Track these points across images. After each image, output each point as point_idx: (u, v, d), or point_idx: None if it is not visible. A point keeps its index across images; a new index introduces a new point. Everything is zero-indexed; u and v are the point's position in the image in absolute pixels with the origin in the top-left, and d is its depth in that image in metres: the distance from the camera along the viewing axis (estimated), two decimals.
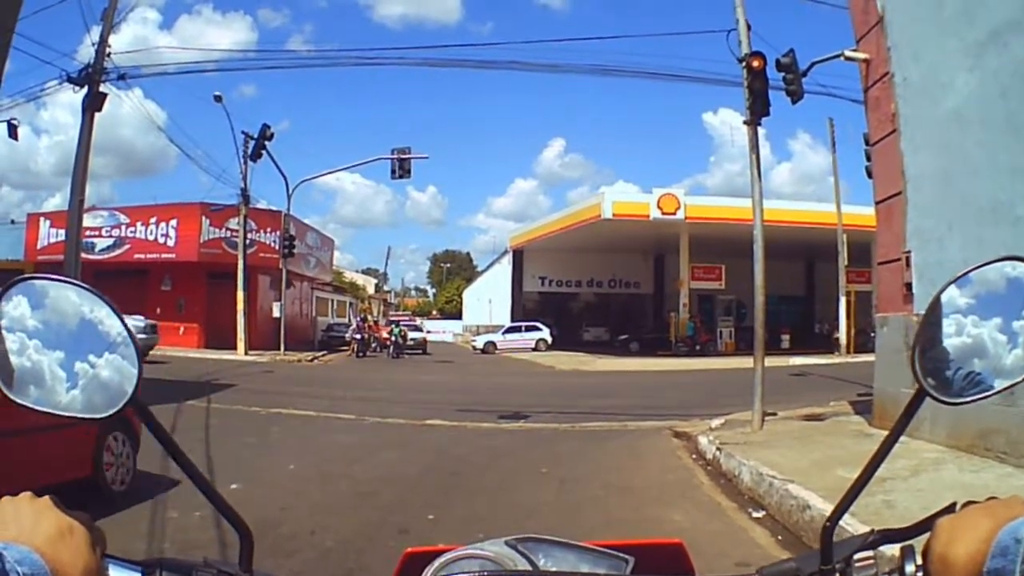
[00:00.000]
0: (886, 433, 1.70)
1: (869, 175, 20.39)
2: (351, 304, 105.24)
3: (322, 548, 9.24)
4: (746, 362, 21.93)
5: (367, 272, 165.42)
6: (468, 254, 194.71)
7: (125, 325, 1.63)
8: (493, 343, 76.24)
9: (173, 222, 59.00)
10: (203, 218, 58.57)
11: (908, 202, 16.02)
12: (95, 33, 33.79)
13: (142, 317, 46.35)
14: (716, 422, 19.33)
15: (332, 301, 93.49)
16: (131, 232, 59.73)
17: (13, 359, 1.56)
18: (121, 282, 54.48)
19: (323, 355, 59.65)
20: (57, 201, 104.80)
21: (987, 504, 1.46)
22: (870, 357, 21.40)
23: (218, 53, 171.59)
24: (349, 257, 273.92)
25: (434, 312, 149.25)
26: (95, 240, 57.83)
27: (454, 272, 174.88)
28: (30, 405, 1.56)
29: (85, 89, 32.44)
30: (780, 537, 10.05)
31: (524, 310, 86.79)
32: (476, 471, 14.85)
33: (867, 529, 1.77)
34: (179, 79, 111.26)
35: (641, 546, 2.11)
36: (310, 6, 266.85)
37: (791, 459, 13.42)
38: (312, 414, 22.92)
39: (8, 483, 1.96)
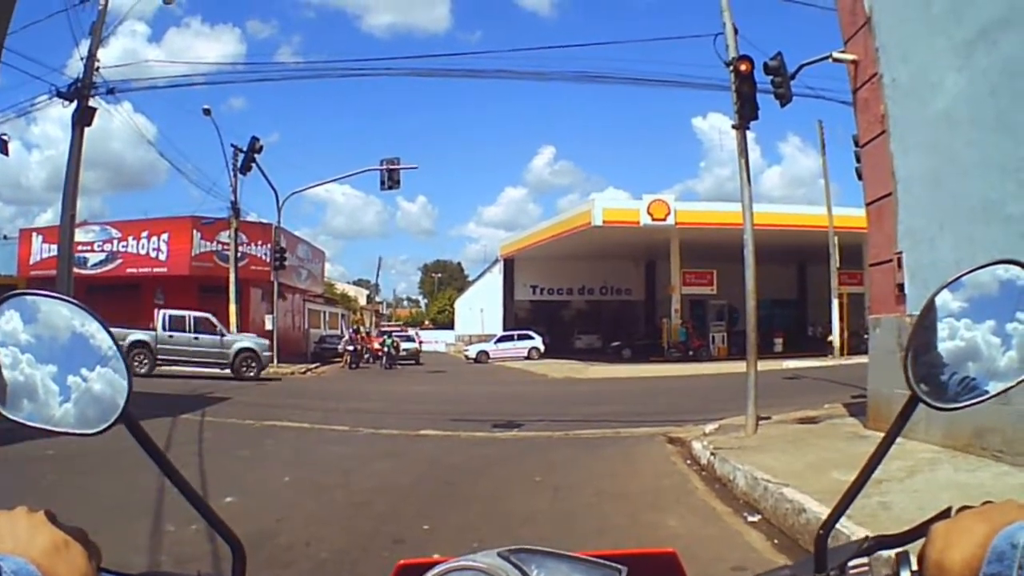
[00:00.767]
0: (881, 435, 1.71)
1: (859, 177, 20.41)
2: (343, 316, 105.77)
3: (317, 559, 9.24)
4: (739, 367, 21.93)
5: (358, 283, 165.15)
6: (459, 264, 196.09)
7: (114, 340, 1.63)
8: (486, 352, 76.21)
9: (164, 236, 59.46)
10: (194, 232, 59.06)
11: (899, 203, 16.04)
12: (84, 47, 33.88)
13: (253, 335, 49.47)
14: (710, 427, 19.31)
15: (324, 313, 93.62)
16: (123, 246, 60.13)
17: (6, 373, 1.56)
18: (114, 297, 54.89)
19: (316, 367, 59.72)
20: (49, 216, 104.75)
21: (982, 509, 1.44)
22: (864, 359, 21.46)
23: (207, 66, 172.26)
24: (340, 269, 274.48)
25: (426, 322, 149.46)
26: (87, 255, 58.14)
27: (445, 282, 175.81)
28: (22, 421, 1.57)
29: (74, 104, 32.46)
30: (776, 541, 10.03)
31: (516, 319, 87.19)
32: (470, 480, 14.83)
33: (863, 532, 1.78)
34: (168, 92, 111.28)
35: (634, 556, 2.07)
36: (298, 17, 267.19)
37: (786, 462, 13.43)
38: (306, 426, 22.92)
39: None
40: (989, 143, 13.19)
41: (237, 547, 1.75)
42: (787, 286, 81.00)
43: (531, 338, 78.46)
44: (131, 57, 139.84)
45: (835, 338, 57.89)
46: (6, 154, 38.22)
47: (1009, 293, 1.61)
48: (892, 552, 1.57)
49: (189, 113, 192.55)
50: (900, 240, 15.95)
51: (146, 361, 45.73)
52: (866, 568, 1.62)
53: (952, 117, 14.20)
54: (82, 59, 33.68)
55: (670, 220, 60.21)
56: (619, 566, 1.93)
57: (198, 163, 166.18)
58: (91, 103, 33.10)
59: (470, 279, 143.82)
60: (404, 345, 73.16)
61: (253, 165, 52.66)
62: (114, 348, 1.63)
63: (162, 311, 49.71)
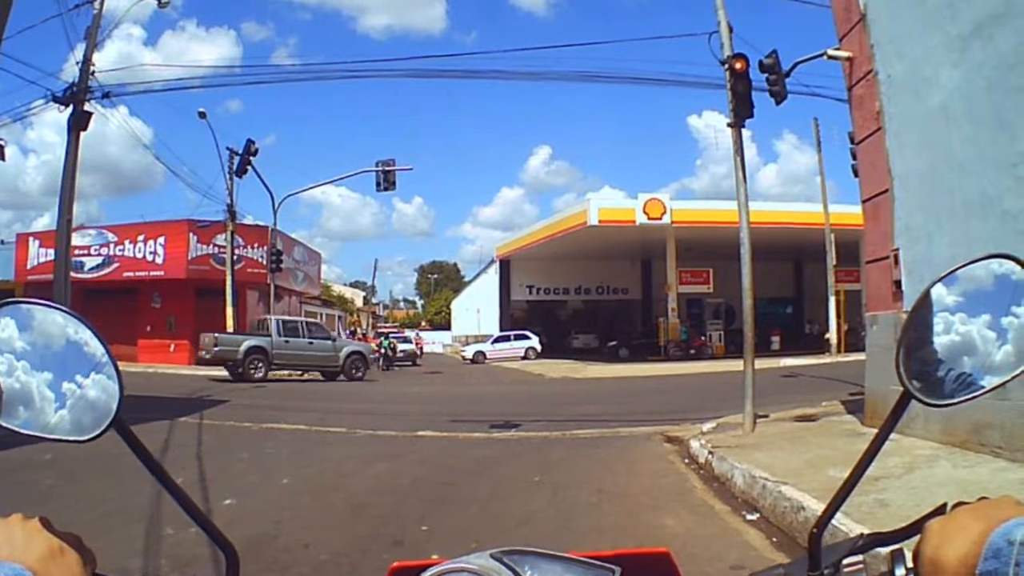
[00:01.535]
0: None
1: (855, 174, 20.43)
2: (340, 317, 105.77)
3: (316, 562, 9.22)
4: (736, 365, 21.96)
5: (355, 285, 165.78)
6: (455, 264, 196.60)
7: (106, 346, 1.63)
8: (483, 353, 76.53)
9: (161, 239, 59.47)
10: (191, 235, 59.10)
11: (895, 199, 16.04)
12: (79, 52, 33.84)
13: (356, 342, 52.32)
14: (707, 426, 19.33)
15: (321, 315, 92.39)
16: (119, 250, 60.12)
17: (2, 381, 1.55)
18: (111, 300, 55.44)
19: None
20: (46, 220, 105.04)
21: (978, 505, 1.44)
22: (861, 356, 21.43)
23: (203, 69, 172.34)
24: (337, 270, 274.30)
25: (423, 323, 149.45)
26: (84, 259, 58.24)
27: (442, 283, 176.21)
28: (17, 428, 1.56)
29: (70, 108, 32.45)
30: (775, 539, 10.02)
31: (512, 319, 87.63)
32: (469, 481, 14.80)
33: (861, 529, 1.77)
34: (164, 96, 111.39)
35: (628, 556, 2.08)
36: (294, 19, 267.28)
37: (784, 460, 13.46)
38: (304, 428, 22.86)
39: None
40: (985, 139, 13.19)
41: (230, 551, 1.76)
42: (784, 284, 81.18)
43: (528, 338, 78.76)
44: (127, 61, 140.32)
45: (832, 335, 57.88)
46: (2, 159, 37.56)
47: (1004, 287, 1.61)
48: (887, 549, 1.58)
49: (185, 116, 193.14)
50: (897, 237, 15.95)
51: (261, 366, 46.92)
52: (861, 566, 1.63)
53: (948, 113, 14.20)
54: (77, 63, 33.72)
55: (666, 219, 60.48)
56: (613, 566, 1.93)
57: (194, 166, 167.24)
58: (87, 107, 33.08)
59: (466, 280, 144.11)
60: (401, 346, 73.81)
61: (249, 168, 52.62)
62: (107, 355, 1.63)
63: (275, 317, 51.15)
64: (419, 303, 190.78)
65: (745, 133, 20.26)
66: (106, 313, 52.36)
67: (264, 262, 59.09)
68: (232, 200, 55.26)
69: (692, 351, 62.55)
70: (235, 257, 56.52)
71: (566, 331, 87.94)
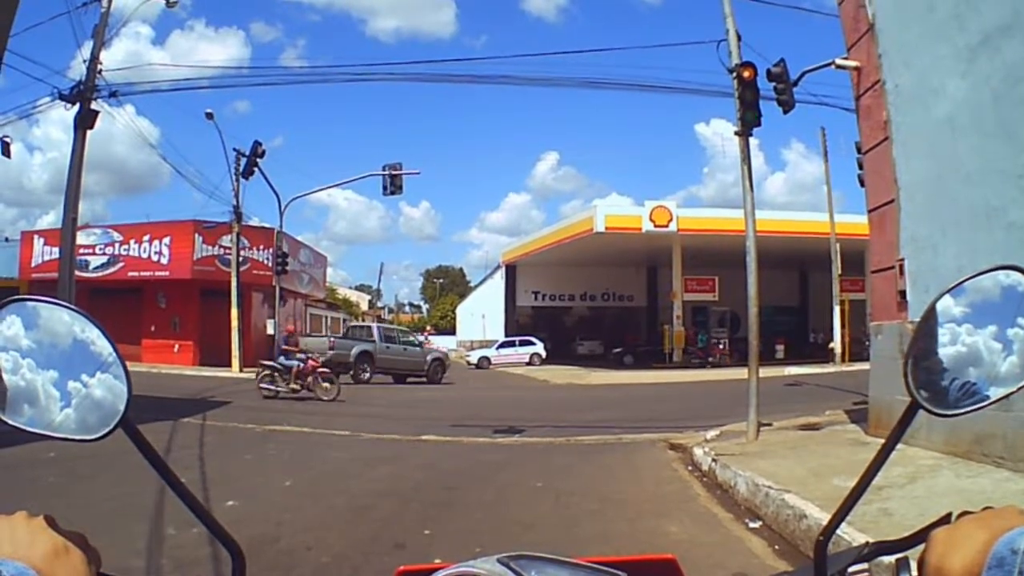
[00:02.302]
0: (882, 441, 1.69)
1: (862, 183, 20.36)
2: (345, 321, 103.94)
3: (318, 564, 9.21)
4: (740, 373, 21.91)
5: (360, 288, 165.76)
6: (461, 269, 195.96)
7: (114, 346, 1.63)
8: (487, 358, 76.45)
9: (166, 239, 59.47)
10: (196, 235, 59.11)
11: (901, 210, 16.03)
12: (87, 50, 33.89)
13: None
14: (711, 433, 19.28)
15: (326, 318, 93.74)
16: (124, 250, 60.24)
17: (7, 378, 1.55)
18: (115, 300, 55.55)
19: None
20: (51, 219, 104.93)
21: (982, 514, 1.44)
22: (865, 366, 21.42)
23: (211, 69, 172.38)
24: (343, 274, 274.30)
25: (428, 328, 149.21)
26: (89, 258, 58.43)
27: (447, 288, 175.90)
28: (22, 426, 1.56)
29: (77, 106, 32.45)
30: (777, 547, 10.01)
31: (517, 325, 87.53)
32: (472, 485, 14.81)
33: (864, 538, 1.76)
34: (172, 96, 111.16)
35: (634, 562, 2.10)
36: (303, 21, 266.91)
37: (787, 469, 13.42)
38: (307, 430, 22.84)
39: None
40: (992, 149, 13.18)
41: (236, 551, 1.75)
42: (789, 293, 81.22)
43: (533, 344, 78.73)
44: (134, 60, 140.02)
45: (836, 345, 57.92)
46: (8, 156, 38.37)
47: (1010, 299, 1.61)
48: (892, 558, 1.58)
49: (193, 116, 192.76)
50: (902, 247, 15.94)
51: (368, 369, 49.45)
52: (866, 574, 1.64)
53: (955, 123, 14.19)
54: (84, 62, 33.77)
55: (672, 227, 60.55)
56: (619, 573, 1.93)
57: (201, 167, 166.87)
58: (93, 106, 33.11)
59: (472, 285, 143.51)
60: None
61: (255, 170, 52.68)
62: (114, 354, 1.62)
63: (375, 324, 56.46)
64: (424, 307, 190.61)
65: (753, 141, 20.30)
66: (110, 312, 52.35)
67: (269, 264, 58.86)
68: (238, 201, 55.17)
69: (710, 359, 62.53)
70: (240, 259, 56.30)
71: (571, 337, 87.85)
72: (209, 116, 52.67)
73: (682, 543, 10.15)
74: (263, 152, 52.76)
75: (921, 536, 1.51)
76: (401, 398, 39.47)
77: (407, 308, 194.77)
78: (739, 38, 20.21)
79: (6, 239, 67.55)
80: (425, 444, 20.76)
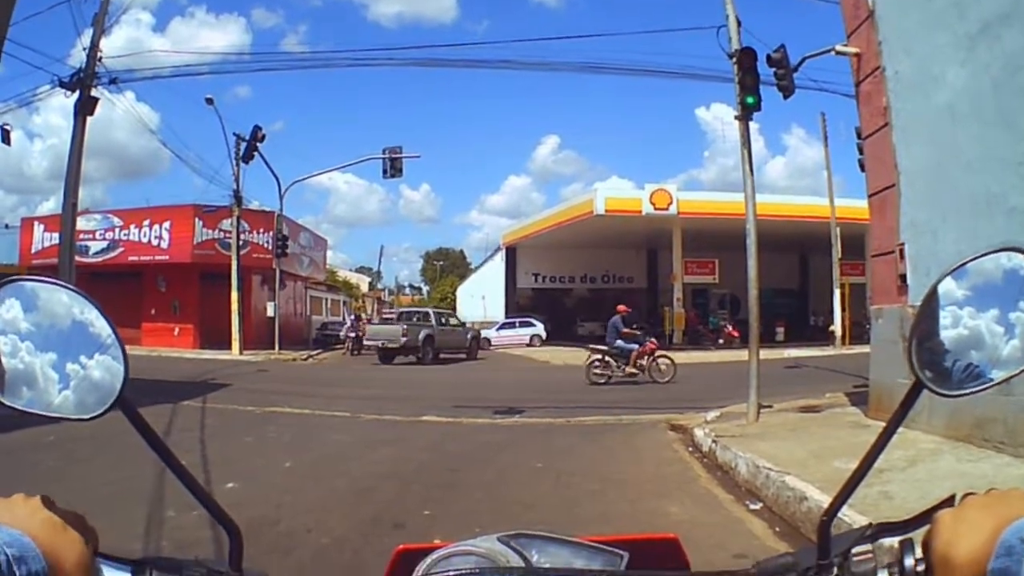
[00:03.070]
0: (882, 424, 1.69)
1: (862, 168, 20.36)
2: (345, 302, 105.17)
3: (318, 546, 9.25)
4: (740, 355, 21.93)
5: (361, 271, 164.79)
6: (462, 251, 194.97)
7: (112, 326, 1.63)
8: (487, 339, 75.40)
9: (166, 224, 59.35)
10: (196, 219, 58.90)
11: (901, 195, 16.03)
12: (87, 37, 33.85)
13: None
14: (711, 415, 19.37)
15: (326, 300, 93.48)
16: (124, 235, 60.15)
17: (5, 361, 1.56)
18: (116, 284, 55.20)
19: (318, 353, 59.70)
20: (51, 205, 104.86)
21: (988, 498, 1.43)
22: (865, 349, 21.41)
23: (211, 55, 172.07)
24: (343, 256, 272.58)
25: (401, 309, 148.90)
26: (89, 243, 58.34)
27: (448, 269, 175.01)
28: (21, 408, 1.57)
29: (77, 93, 32.42)
30: (777, 528, 10.05)
31: (518, 306, 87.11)
32: (472, 466, 14.82)
33: (865, 521, 1.74)
34: (172, 82, 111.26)
35: (636, 541, 2.10)
36: (304, 6, 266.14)
37: (787, 451, 13.45)
38: (307, 412, 22.84)
39: None
40: (991, 137, 13.18)
41: (234, 531, 1.73)
42: (789, 275, 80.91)
43: (533, 325, 78.72)
44: (134, 46, 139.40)
45: (837, 328, 57.75)
46: (8, 143, 38.47)
47: (1012, 281, 1.59)
48: (896, 539, 1.55)
49: (193, 102, 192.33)
50: (902, 231, 15.94)
51: (430, 350, 52.81)
52: (870, 555, 1.59)
53: (954, 111, 14.19)
54: (84, 49, 33.72)
55: (672, 209, 60.34)
56: (621, 551, 1.96)
57: (201, 152, 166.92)
58: (94, 93, 33.08)
59: (472, 267, 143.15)
60: None
61: (255, 154, 52.81)
62: (112, 335, 1.63)
63: (433, 309, 60.43)
64: (424, 289, 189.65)
65: (753, 126, 20.28)
66: (110, 297, 51.97)
67: (270, 247, 59.01)
68: (238, 186, 54.97)
69: (721, 341, 62.35)
70: (240, 242, 56.04)
71: (571, 319, 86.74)
72: (209, 101, 52.57)
73: (683, 524, 10.18)
74: (263, 136, 52.93)
75: (925, 518, 1.50)
76: (399, 379, 39.61)
77: (407, 290, 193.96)
78: (739, 24, 20.22)
79: (6, 226, 67.55)
80: (426, 425, 20.74)
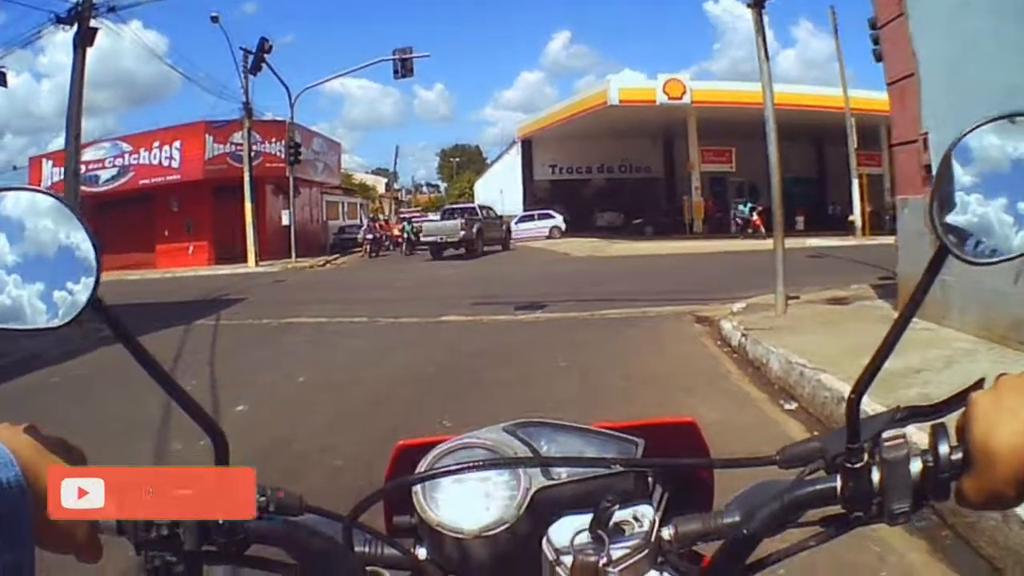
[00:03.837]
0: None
1: (878, 59, 20.13)
2: (361, 205, 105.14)
3: (331, 468, 9.02)
4: (759, 244, 21.71)
5: (377, 172, 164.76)
6: (477, 147, 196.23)
7: (76, 214, 1.44)
8: None
9: (177, 143, 59.45)
10: (207, 136, 58.85)
11: (921, 83, 15.68)
12: None
13: None
14: (738, 306, 19.18)
15: (342, 204, 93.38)
16: (135, 159, 60.24)
17: None
18: (126, 210, 56.64)
19: (336, 258, 60.30)
20: (61, 142, 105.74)
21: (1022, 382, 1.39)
22: (886, 239, 21.20)
23: None
24: (359, 159, 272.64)
25: (446, 206, 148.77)
26: (99, 172, 59.04)
27: (464, 166, 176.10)
28: None
29: (75, 27, 32.12)
30: (816, 431, 9.55)
31: (535, 198, 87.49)
32: (493, 367, 14.62)
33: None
34: (176, 2, 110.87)
35: (651, 426, 2.03)
36: None
37: (820, 346, 13.16)
38: (324, 320, 22.73)
39: None
40: (1008, 30, 12.85)
41: (217, 433, 1.58)
42: (806, 164, 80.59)
43: (552, 217, 79.08)
44: None
45: (856, 218, 57.49)
46: (4, 85, 39.02)
47: (1020, 170, 1.45)
48: (928, 423, 1.52)
49: (200, 22, 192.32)
50: (925, 120, 15.60)
51: (480, 243, 57.18)
52: (902, 440, 1.51)
53: (970, 4, 13.86)
54: None
55: (686, 99, 61.08)
56: (635, 439, 1.91)
57: (211, 71, 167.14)
58: (93, 23, 32.73)
59: (489, 162, 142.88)
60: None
61: (263, 65, 53.25)
62: (79, 224, 1.44)
63: (479, 205, 67.33)
64: (442, 186, 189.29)
65: (764, 18, 19.99)
66: (122, 222, 54.25)
67: (282, 156, 58.84)
68: (247, 98, 55.09)
69: (750, 231, 61.92)
70: (252, 153, 56.12)
71: (590, 209, 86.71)
72: (215, 19, 52.23)
73: (714, 424, 9.71)
74: (270, 47, 53.41)
75: (958, 401, 1.48)
76: (418, 278, 40.05)
77: (424, 188, 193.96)
78: None
79: (14, 167, 68.17)
80: (446, 325, 20.72)
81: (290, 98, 58.51)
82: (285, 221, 57.78)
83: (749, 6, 19.61)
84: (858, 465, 1.52)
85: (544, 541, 1.71)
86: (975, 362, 11.55)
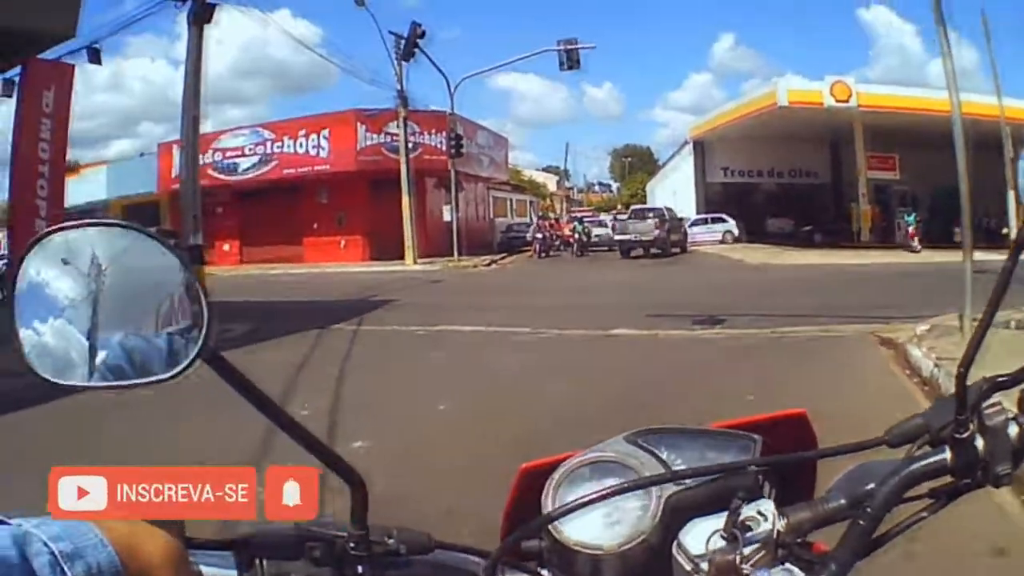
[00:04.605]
0: None
1: None
2: (531, 203, 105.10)
3: (457, 536, 7.32)
4: (931, 257, 20.48)
5: (547, 170, 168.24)
6: (648, 148, 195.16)
7: (181, 258, 1.34)
8: None
9: (325, 132, 59.50)
10: (358, 125, 58.63)
11: None
12: None
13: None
14: (921, 328, 17.95)
15: (511, 200, 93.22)
16: (278, 147, 60.44)
17: (47, 339, 1.34)
18: (270, 201, 57.59)
19: (502, 258, 60.05)
20: (204, 127, 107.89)
21: None
22: None
23: None
24: (529, 156, 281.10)
25: (619, 207, 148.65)
26: (238, 160, 59.46)
27: (636, 166, 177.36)
28: (84, 385, 1.36)
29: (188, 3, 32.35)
30: None
31: (707, 201, 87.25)
32: (672, 403, 13.17)
33: None
34: None
35: (765, 422, 2.00)
36: None
37: None
38: (480, 329, 21.72)
39: None
40: None
41: (356, 482, 1.54)
42: (955, 175, 79.47)
43: (725, 221, 78.80)
44: None
45: (1011, 231, 56.21)
46: (99, 63, 39.96)
47: None
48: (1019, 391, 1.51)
49: (354, 13, 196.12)
50: None
51: (669, 244, 59.84)
52: (999, 407, 1.54)
53: None
54: None
55: (852, 102, 61.06)
56: (752, 435, 1.90)
57: (366, 61, 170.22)
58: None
59: (659, 163, 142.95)
60: (596, 231, 72.78)
61: (416, 51, 52.70)
62: (183, 269, 1.34)
63: (664, 207, 66.22)
64: (614, 186, 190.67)
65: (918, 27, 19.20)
66: (265, 214, 55.82)
67: (443, 148, 58.64)
68: (401, 86, 54.98)
69: (915, 245, 60.78)
70: (410, 145, 55.87)
71: (760, 215, 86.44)
72: (359, 2, 51.87)
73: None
74: (422, 32, 52.64)
75: None
76: (586, 282, 39.41)
77: (596, 187, 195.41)
78: None
79: (141, 154, 68.61)
80: (615, 341, 20.22)
81: (449, 87, 58.55)
82: (447, 217, 57.91)
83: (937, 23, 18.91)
84: (965, 435, 1.53)
85: (675, 547, 1.65)
86: None
